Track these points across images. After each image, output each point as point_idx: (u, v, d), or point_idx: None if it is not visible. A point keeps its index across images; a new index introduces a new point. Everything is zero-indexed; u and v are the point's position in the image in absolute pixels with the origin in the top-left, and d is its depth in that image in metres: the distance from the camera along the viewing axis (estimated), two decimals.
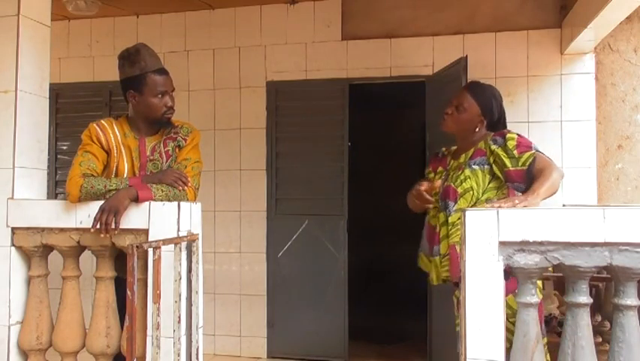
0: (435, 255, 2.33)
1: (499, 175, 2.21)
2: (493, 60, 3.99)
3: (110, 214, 1.99)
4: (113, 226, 1.99)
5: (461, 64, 3.53)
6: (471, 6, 4.04)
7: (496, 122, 2.36)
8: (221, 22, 4.44)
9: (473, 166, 2.24)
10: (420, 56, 4.10)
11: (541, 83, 3.94)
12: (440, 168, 2.45)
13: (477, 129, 2.32)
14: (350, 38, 4.24)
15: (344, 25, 4.25)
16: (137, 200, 2.05)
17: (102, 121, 2.32)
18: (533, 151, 2.14)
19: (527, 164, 2.11)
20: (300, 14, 4.31)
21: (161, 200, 2.08)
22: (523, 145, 2.16)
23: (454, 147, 2.47)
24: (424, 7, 4.13)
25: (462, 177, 2.24)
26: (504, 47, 3.98)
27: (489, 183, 2.23)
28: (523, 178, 2.13)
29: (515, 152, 2.15)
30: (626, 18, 3.50)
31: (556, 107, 3.91)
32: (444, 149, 2.53)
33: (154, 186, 2.12)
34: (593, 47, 3.83)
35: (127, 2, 4.32)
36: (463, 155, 2.33)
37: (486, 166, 2.23)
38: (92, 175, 2.16)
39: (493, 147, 2.21)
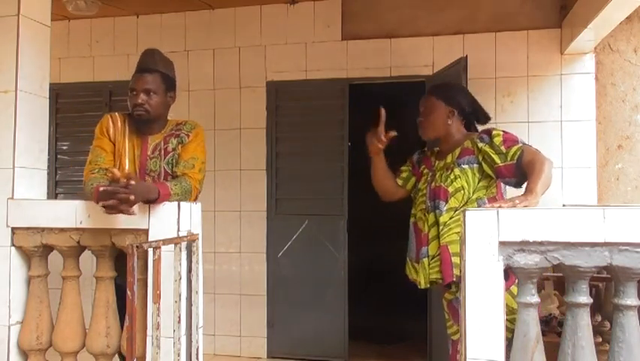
0: (422, 257, 2.29)
1: (490, 173, 2.22)
2: (493, 60, 3.99)
3: (127, 202, 1.90)
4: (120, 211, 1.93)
5: (461, 64, 3.53)
6: (471, 6, 4.04)
7: (471, 114, 2.36)
8: (221, 22, 4.43)
9: (462, 165, 2.24)
10: (420, 56, 4.10)
11: (541, 83, 3.94)
12: (424, 168, 2.46)
13: (450, 122, 2.34)
14: (350, 38, 4.23)
15: (344, 25, 4.25)
16: (156, 200, 2.03)
17: (116, 113, 2.41)
18: (520, 145, 2.16)
19: (516, 158, 2.12)
20: (300, 14, 4.31)
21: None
22: (510, 140, 2.18)
23: (437, 149, 2.48)
24: (424, 7, 4.13)
25: (452, 176, 2.24)
26: (504, 47, 3.98)
27: (479, 182, 2.23)
28: (513, 172, 2.14)
29: (502, 147, 2.16)
30: (626, 18, 3.49)
31: (556, 107, 3.91)
32: (426, 149, 2.57)
33: (172, 187, 2.14)
34: (593, 47, 3.83)
35: (127, 2, 4.32)
36: (450, 155, 2.33)
37: (475, 165, 2.24)
38: (98, 172, 2.25)
39: (481, 144, 2.22)
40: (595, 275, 1.65)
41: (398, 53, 4.14)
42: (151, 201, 2.01)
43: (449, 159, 2.32)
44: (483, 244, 1.57)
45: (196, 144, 2.37)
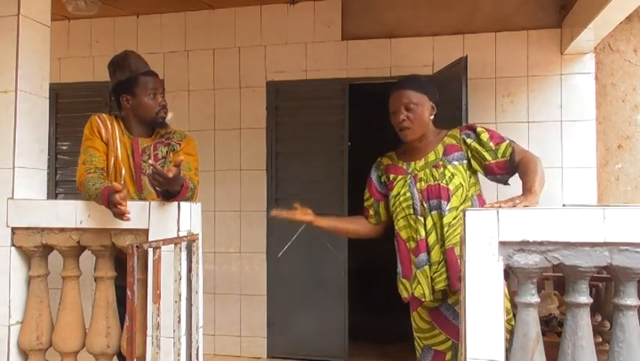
0: (422, 265, 2.11)
1: (478, 169, 2.19)
2: (493, 60, 3.99)
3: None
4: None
5: (461, 64, 3.53)
6: (471, 6, 4.04)
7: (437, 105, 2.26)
8: (221, 22, 4.44)
9: (454, 162, 2.16)
10: (420, 56, 4.10)
11: (541, 83, 3.94)
12: (394, 176, 2.26)
13: (432, 118, 2.21)
14: (350, 38, 4.24)
15: (344, 25, 4.25)
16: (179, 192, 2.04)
17: (103, 114, 2.36)
18: (508, 141, 2.15)
19: (508, 155, 2.11)
20: (300, 14, 4.31)
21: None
22: (496, 137, 2.16)
23: (392, 153, 2.34)
24: (424, 7, 4.13)
25: (447, 173, 2.13)
26: (504, 47, 3.98)
27: (470, 179, 2.18)
28: (505, 169, 2.13)
29: (491, 144, 2.14)
30: (626, 18, 3.49)
31: (556, 107, 3.91)
32: (380, 159, 2.36)
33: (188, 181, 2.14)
34: (593, 47, 3.83)
35: (127, 2, 4.32)
36: (432, 153, 2.19)
37: (465, 161, 2.17)
38: (95, 172, 2.20)
39: (469, 140, 2.17)
40: (595, 275, 1.66)
41: (398, 53, 4.14)
42: (173, 194, 2.01)
43: (432, 156, 2.19)
44: (483, 244, 1.57)
45: (188, 152, 2.33)
